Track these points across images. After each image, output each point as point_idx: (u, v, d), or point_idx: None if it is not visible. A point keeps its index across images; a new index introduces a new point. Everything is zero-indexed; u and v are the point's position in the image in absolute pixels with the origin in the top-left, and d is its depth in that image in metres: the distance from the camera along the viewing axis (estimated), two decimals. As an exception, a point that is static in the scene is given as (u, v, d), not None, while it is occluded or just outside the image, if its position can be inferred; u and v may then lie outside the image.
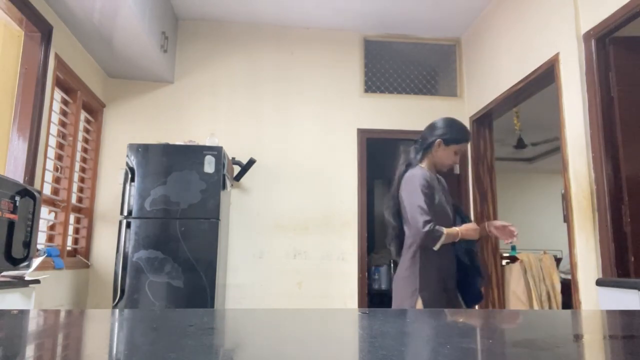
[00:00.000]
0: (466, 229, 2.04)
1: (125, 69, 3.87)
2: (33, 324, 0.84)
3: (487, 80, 3.93)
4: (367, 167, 4.17)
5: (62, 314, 1.00)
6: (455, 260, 2.12)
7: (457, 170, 4.30)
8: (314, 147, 4.14)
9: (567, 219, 2.84)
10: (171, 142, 3.51)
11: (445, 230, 1.99)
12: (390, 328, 0.76)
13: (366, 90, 4.32)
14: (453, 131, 2.14)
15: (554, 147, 6.60)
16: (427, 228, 1.96)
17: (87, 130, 3.83)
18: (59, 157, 3.39)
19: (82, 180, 3.76)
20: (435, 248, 2.00)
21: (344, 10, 4.03)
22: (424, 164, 2.18)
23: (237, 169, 3.91)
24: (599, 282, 2.46)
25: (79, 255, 3.67)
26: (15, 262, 1.87)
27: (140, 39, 3.33)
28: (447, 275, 2.09)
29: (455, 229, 2.03)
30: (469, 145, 2.20)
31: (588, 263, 2.63)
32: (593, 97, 2.65)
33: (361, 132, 4.20)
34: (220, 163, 3.36)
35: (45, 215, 3.23)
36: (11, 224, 1.83)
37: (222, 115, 4.11)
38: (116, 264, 3.21)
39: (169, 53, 3.92)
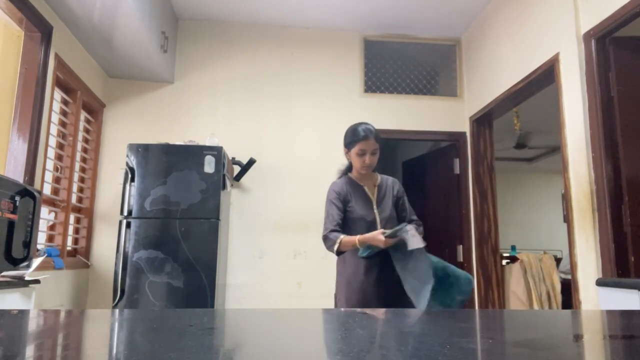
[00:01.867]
0: (365, 238, 2.09)
1: (125, 69, 3.87)
2: (33, 324, 0.84)
3: (487, 80, 3.93)
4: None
5: (62, 314, 1.00)
6: (379, 265, 2.16)
7: (457, 170, 4.30)
8: (314, 147, 4.14)
9: (567, 219, 2.84)
10: (171, 142, 3.51)
11: (340, 237, 2.13)
12: (390, 328, 0.76)
13: (366, 90, 4.32)
14: (346, 136, 2.27)
15: (554, 147, 6.61)
16: (324, 234, 2.19)
17: (87, 130, 3.83)
18: (59, 157, 3.39)
19: (82, 180, 3.76)
20: (334, 252, 2.19)
21: (344, 10, 4.03)
22: (352, 173, 2.34)
23: (237, 169, 3.91)
24: (599, 282, 2.46)
25: (79, 255, 3.67)
26: (15, 262, 1.87)
27: (140, 39, 3.33)
28: (358, 280, 2.16)
29: (354, 237, 2.12)
30: (371, 142, 2.19)
31: (588, 263, 2.63)
32: (593, 97, 2.65)
33: (361, 132, 4.19)
34: (220, 163, 3.35)
35: (45, 215, 3.22)
36: (11, 224, 1.82)
37: (222, 115, 4.11)
38: (116, 264, 3.21)
39: (169, 53, 3.92)
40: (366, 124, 2.24)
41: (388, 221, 2.22)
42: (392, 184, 2.35)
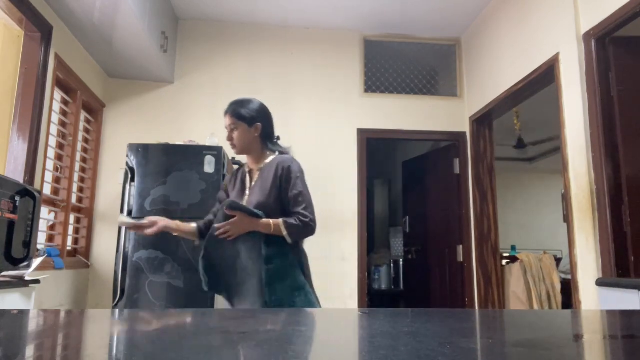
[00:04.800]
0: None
1: (125, 69, 3.87)
2: (33, 324, 0.84)
3: (487, 80, 3.93)
4: (367, 167, 4.18)
5: (62, 314, 1.00)
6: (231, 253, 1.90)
7: (457, 170, 4.30)
8: (314, 147, 4.14)
9: (567, 219, 2.84)
10: (171, 142, 3.51)
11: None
12: (390, 328, 0.76)
13: (366, 90, 4.32)
14: None
15: (554, 147, 6.60)
16: None
17: (87, 130, 3.83)
18: (59, 157, 3.39)
19: (82, 180, 3.76)
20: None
21: (344, 10, 4.03)
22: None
23: (237, 169, 3.91)
24: (599, 282, 2.46)
25: (79, 255, 3.67)
26: (15, 262, 1.87)
27: (140, 39, 3.33)
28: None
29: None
30: (226, 118, 2.04)
31: (588, 263, 2.63)
32: (593, 97, 2.65)
33: (361, 132, 4.20)
34: (220, 163, 3.35)
35: (45, 215, 3.22)
36: (11, 224, 1.82)
37: (222, 115, 4.09)
38: (116, 264, 3.21)
39: (169, 53, 3.92)
40: (239, 98, 2.05)
41: (261, 209, 1.86)
42: (277, 164, 1.93)
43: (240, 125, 1.98)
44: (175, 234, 2.06)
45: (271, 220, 1.85)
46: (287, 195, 1.90)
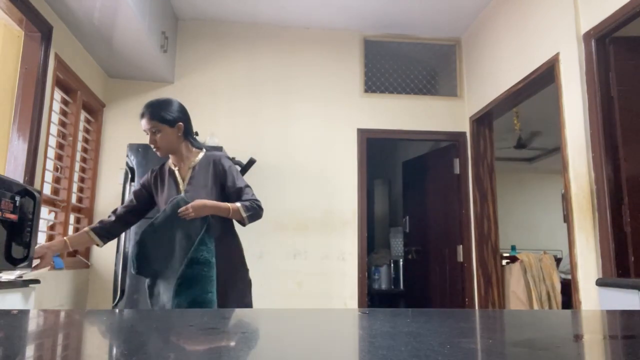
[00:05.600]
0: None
1: (125, 69, 3.87)
2: (33, 324, 0.84)
3: (487, 80, 3.93)
4: (367, 167, 4.18)
5: (62, 314, 1.00)
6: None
7: (457, 170, 4.30)
8: (314, 147, 4.14)
9: (567, 219, 2.84)
10: (171, 142, 3.51)
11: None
12: (390, 328, 0.76)
13: (366, 90, 4.32)
14: None
15: (554, 147, 6.60)
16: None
17: (87, 130, 3.83)
18: (59, 157, 3.39)
19: (82, 180, 3.76)
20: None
21: (344, 10, 4.03)
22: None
23: (237, 169, 3.91)
24: (599, 282, 2.46)
25: (79, 255, 3.67)
26: (15, 262, 1.87)
27: (140, 39, 3.33)
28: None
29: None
30: (143, 122, 1.98)
31: (588, 263, 2.63)
32: (593, 97, 2.65)
33: (361, 132, 4.20)
34: (220, 163, 3.35)
35: (45, 215, 3.22)
36: (11, 224, 1.82)
37: (222, 115, 4.11)
38: (116, 264, 3.21)
39: (169, 53, 3.92)
40: (156, 100, 2.01)
41: None
42: (212, 162, 2.02)
43: (163, 128, 1.97)
44: (71, 250, 2.09)
45: (229, 204, 1.90)
46: (233, 189, 1.97)
